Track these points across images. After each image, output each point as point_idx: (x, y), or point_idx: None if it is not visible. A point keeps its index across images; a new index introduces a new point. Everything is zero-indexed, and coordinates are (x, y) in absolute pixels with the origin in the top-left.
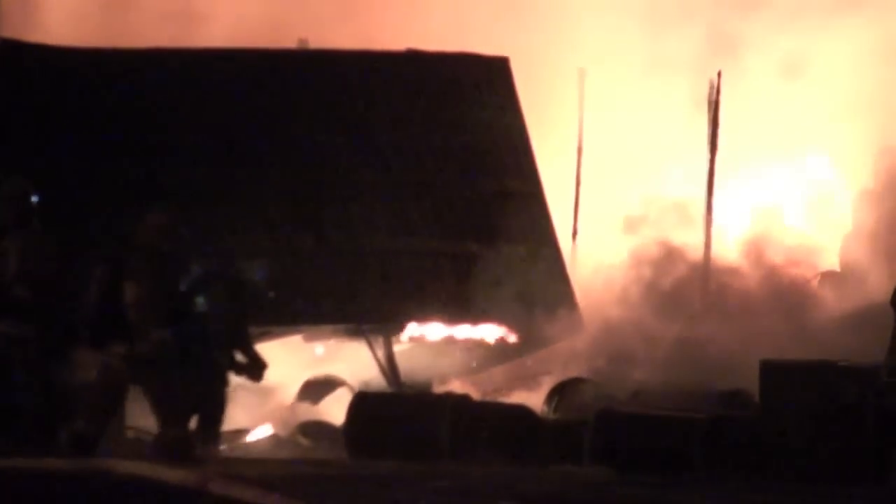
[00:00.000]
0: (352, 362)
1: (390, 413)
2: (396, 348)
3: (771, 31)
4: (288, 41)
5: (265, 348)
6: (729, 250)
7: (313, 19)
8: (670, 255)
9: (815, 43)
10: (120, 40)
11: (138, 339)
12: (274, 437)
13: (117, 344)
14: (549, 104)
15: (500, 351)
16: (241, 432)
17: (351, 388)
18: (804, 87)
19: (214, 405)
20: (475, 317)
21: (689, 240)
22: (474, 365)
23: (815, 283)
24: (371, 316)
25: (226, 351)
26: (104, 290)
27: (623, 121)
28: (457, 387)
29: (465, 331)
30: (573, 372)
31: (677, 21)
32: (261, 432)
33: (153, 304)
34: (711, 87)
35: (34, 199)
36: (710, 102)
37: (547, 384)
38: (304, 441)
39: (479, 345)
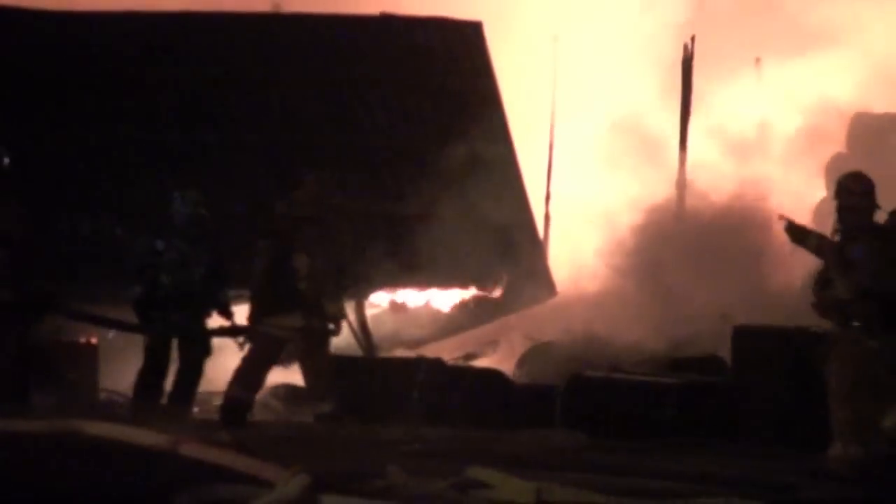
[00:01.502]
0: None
1: (363, 377)
2: (369, 312)
3: None
4: (262, 5)
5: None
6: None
7: None
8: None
9: None
10: (94, 2)
11: (312, 312)
12: None
13: (287, 316)
14: (522, 70)
15: (473, 315)
16: (213, 395)
17: None
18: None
19: (196, 368)
20: (447, 281)
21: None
22: (445, 329)
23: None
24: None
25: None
26: (271, 263)
27: (597, 87)
28: (430, 351)
29: (436, 295)
30: (546, 336)
31: None
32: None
33: (325, 276)
34: (686, 50)
35: (5, 160)
36: (683, 64)
37: (519, 348)
38: (275, 404)
39: (452, 308)
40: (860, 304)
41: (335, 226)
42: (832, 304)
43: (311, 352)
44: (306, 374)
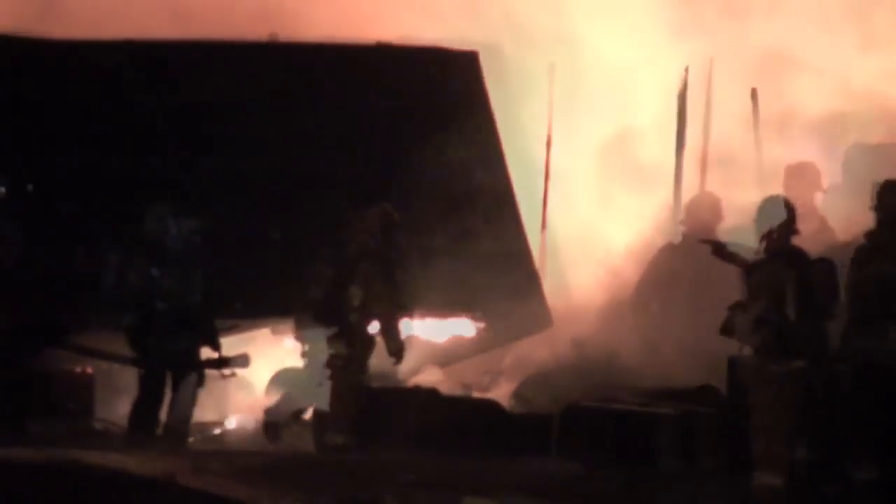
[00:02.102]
0: (321, 355)
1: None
2: None
3: None
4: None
5: (233, 342)
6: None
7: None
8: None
9: None
10: (85, 31)
11: (358, 342)
12: (241, 428)
13: (337, 344)
14: (519, 99)
15: (468, 345)
16: (209, 425)
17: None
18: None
19: (191, 398)
20: (443, 311)
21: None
22: (441, 359)
23: None
24: None
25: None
26: (327, 290)
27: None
28: (425, 381)
29: (433, 325)
30: (542, 366)
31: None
32: (228, 425)
33: (377, 308)
34: (681, 82)
35: (0, 188)
36: (679, 97)
37: (515, 379)
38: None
39: (448, 339)
40: (756, 331)
41: (394, 261)
42: (730, 328)
43: (346, 381)
44: (333, 402)
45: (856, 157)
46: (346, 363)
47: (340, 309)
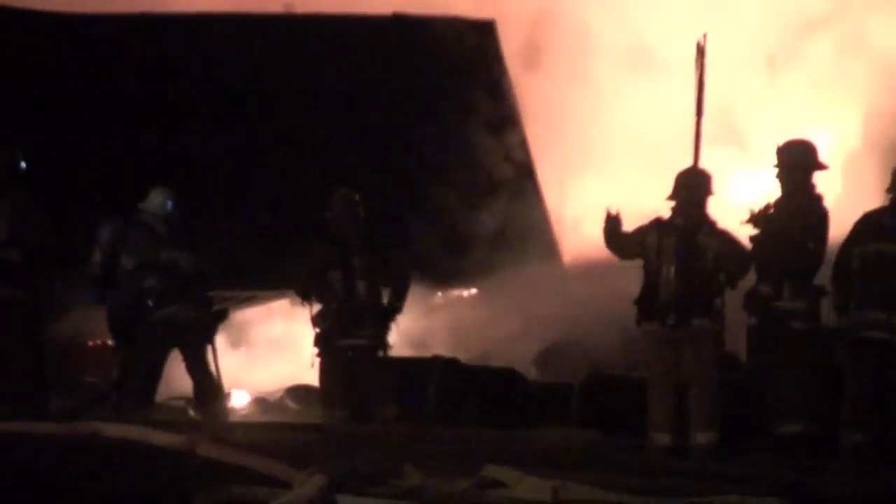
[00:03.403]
0: None
1: None
2: None
3: None
4: (273, 6)
5: (253, 313)
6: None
7: None
8: None
9: None
10: (102, 5)
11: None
12: (262, 400)
13: (321, 322)
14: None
15: None
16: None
17: None
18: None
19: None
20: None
21: None
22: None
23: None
24: None
25: None
26: (308, 270)
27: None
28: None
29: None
30: (562, 336)
31: None
32: (239, 397)
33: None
34: (699, 50)
35: (22, 165)
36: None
37: (536, 347)
38: (291, 405)
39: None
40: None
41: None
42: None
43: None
44: (323, 378)
45: None
46: (331, 340)
47: (322, 289)
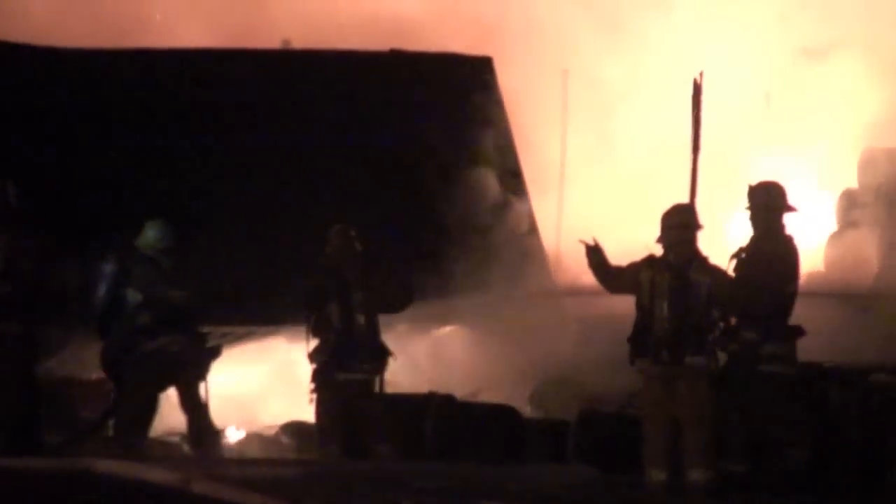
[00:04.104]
0: None
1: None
2: None
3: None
4: (271, 42)
5: (245, 350)
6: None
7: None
8: None
9: None
10: (102, 40)
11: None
12: (257, 436)
13: (318, 357)
14: (533, 104)
15: None
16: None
17: None
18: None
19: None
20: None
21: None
22: None
23: None
24: None
25: None
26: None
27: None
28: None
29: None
30: (557, 372)
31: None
32: (232, 434)
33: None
34: (695, 87)
35: (12, 194)
36: (693, 102)
37: (531, 384)
38: (287, 441)
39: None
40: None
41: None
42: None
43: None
44: (320, 414)
45: None
46: (328, 374)
47: (319, 325)
